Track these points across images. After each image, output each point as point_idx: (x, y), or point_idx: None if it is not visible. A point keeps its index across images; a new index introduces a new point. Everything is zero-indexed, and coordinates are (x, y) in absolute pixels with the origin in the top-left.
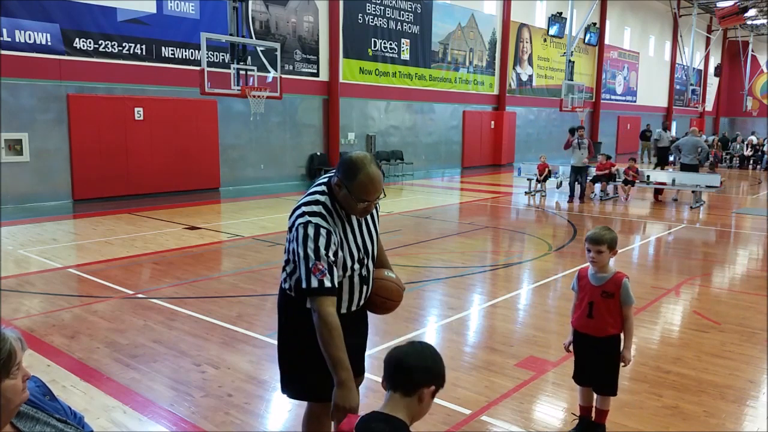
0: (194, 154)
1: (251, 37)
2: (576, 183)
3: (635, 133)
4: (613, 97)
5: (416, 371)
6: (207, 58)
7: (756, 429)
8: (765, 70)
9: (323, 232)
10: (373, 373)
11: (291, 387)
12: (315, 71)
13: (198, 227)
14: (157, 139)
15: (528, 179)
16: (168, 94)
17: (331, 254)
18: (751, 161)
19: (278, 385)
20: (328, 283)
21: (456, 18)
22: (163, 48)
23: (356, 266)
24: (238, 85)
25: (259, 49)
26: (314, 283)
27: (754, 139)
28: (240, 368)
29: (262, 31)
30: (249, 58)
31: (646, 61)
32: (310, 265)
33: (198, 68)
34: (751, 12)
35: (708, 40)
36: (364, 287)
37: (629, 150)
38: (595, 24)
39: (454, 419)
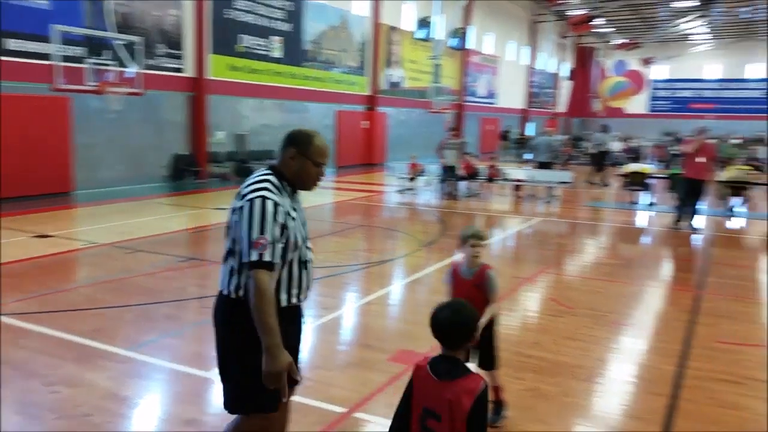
0: (43, 156)
1: (109, 30)
2: (449, 180)
3: (496, 133)
4: (475, 99)
5: (459, 336)
6: (60, 51)
7: (604, 403)
8: (610, 74)
9: (270, 205)
10: None
11: (252, 400)
12: (180, 67)
13: (49, 235)
14: None
15: (400, 178)
16: (13, 90)
17: (277, 229)
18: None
19: (141, 401)
20: (267, 257)
21: (328, 18)
22: (6, 40)
23: (304, 246)
24: (94, 81)
25: (118, 42)
26: (254, 257)
27: (600, 137)
28: (99, 386)
29: (122, 23)
30: (108, 51)
31: (505, 65)
32: (253, 239)
33: (49, 63)
34: (599, 20)
35: (562, 45)
36: (310, 271)
37: (491, 149)
38: (459, 29)
39: (329, 418)
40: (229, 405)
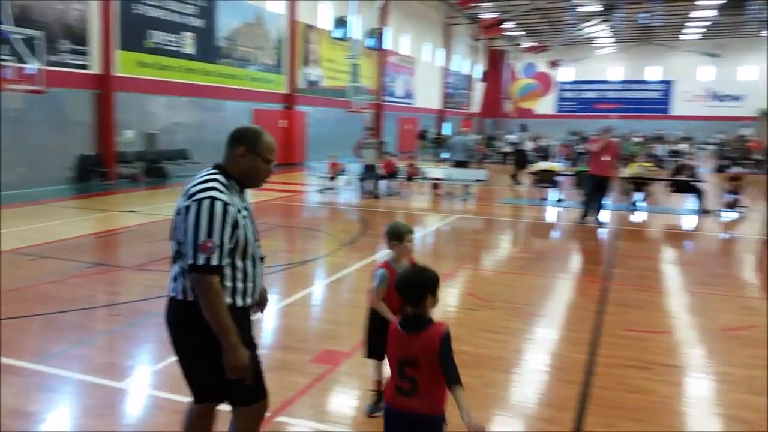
0: None
1: (5, 23)
2: (368, 180)
3: (414, 132)
4: (394, 99)
5: (418, 293)
6: None
7: (521, 393)
8: (520, 76)
9: (219, 205)
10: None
11: (244, 394)
12: (85, 63)
13: None
14: None
15: (320, 177)
16: None
17: (227, 230)
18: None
19: (49, 416)
20: (215, 261)
21: (242, 14)
22: None
23: (256, 243)
24: None
25: (16, 37)
26: (200, 260)
27: (512, 138)
28: (2, 403)
29: (21, 17)
30: (5, 46)
31: (421, 66)
32: (200, 242)
33: None
34: (510, 24)
35: (474, 48)
36: (262, 270)
37: (409, 149)
38: (376, 29)
39: None
40: (207, 397)
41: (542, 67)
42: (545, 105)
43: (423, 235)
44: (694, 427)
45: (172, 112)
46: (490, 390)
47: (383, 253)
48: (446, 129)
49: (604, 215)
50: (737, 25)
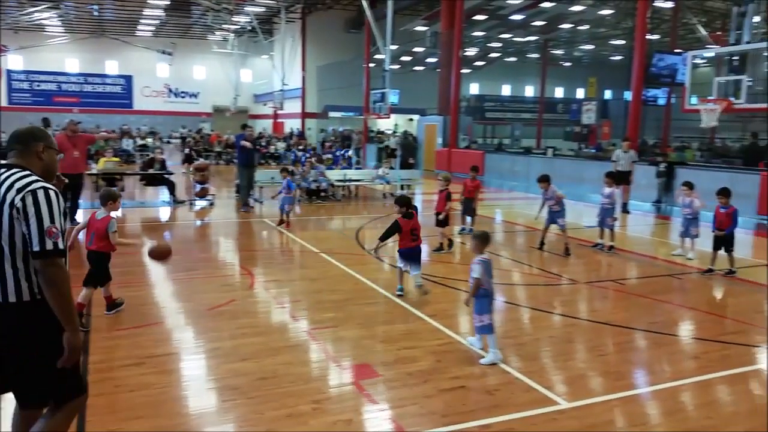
0: None
1: None
2: None
3: None
4: None
5: (410, 203)
6: None
7: None
8: None
9: (53, 194)
10: None
11: (70, 389)
12: None
13: None
14: None
15: None
16: None
17: (61, 218)
18: None
19: None
20: (61, 245)
21: None
22: None
23: None
24: None
25: None
26: (49, 245)
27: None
28: None
29: None
30: None
31: None
32: (46, 228)
33: None
34: None
35: None
36: None
37: None
38: None
39: None
40: (42, 398)
41: None
42: None
43: None
44: (194, 405)
45: None
46: None
47: (100, 211)
48: None
49: (79, 215)
50: (187, 26)
